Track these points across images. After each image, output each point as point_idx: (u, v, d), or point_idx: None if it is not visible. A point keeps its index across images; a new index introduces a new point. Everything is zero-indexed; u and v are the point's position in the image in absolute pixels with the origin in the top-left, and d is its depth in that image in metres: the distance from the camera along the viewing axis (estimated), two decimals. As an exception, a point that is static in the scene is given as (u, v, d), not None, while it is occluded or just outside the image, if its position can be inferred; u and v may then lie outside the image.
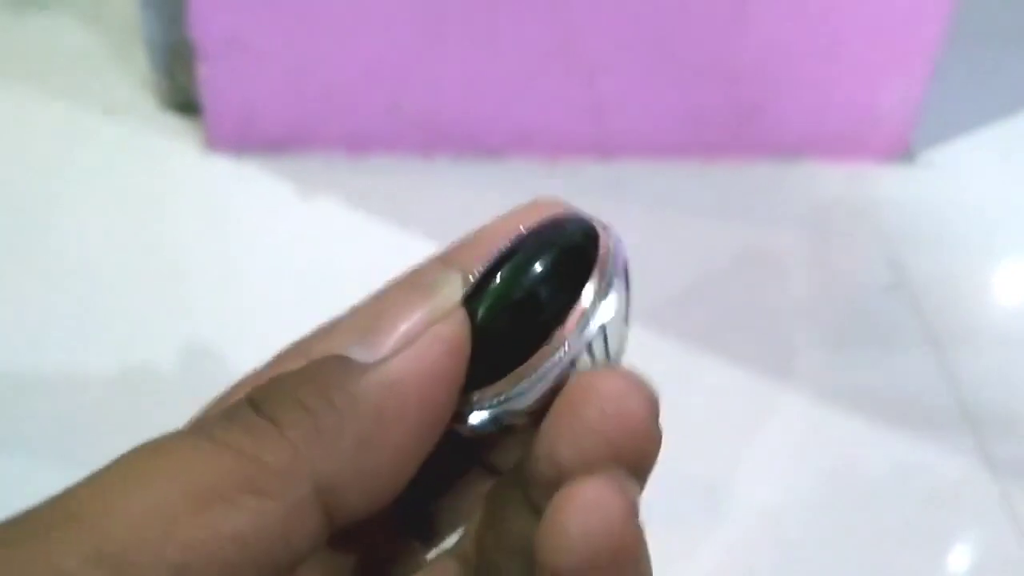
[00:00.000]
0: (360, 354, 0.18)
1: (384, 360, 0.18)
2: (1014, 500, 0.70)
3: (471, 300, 0.20)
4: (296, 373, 0.18)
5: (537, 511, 0.19)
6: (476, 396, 0.19)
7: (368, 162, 0.92)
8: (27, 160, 0.91)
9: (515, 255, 0.20)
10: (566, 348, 0.19)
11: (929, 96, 0.94)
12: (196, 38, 0.87)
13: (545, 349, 0.19)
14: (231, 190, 0.89)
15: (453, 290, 0.19)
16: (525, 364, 0.19)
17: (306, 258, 0.82)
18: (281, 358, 0.21)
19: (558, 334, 0.19)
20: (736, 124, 0.95)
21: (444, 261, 0.21)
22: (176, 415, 0.21)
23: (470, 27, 0.88)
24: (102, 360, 0.73)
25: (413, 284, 0.19)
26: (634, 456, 0.18)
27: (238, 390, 0.20)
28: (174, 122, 0.94)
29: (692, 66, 0.91)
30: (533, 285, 0.20)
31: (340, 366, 0.18)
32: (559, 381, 0.19)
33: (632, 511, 0.18)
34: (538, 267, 0.20)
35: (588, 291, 0.19)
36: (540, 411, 0.19)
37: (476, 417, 0.19)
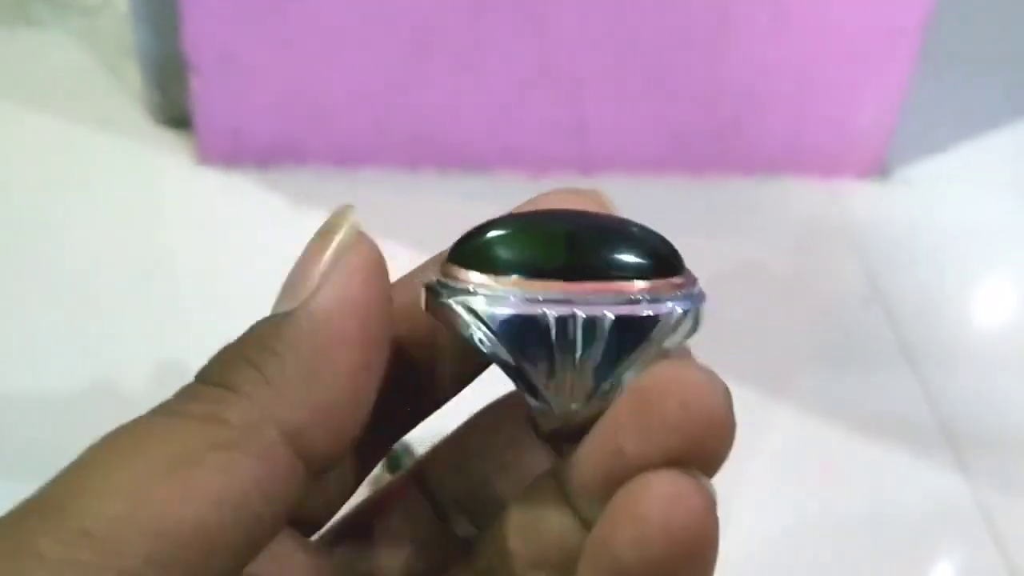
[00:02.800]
0: (283, 306, 0.18)
1: (304, 302, 0.18)
2: (992, 512, 0.71)
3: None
4: (233, 342, 0.19)
5: (580, 516, 0.19)
6: (452, 275, 0.19)
7: (357, 176, 0.93)
8: (18, 174, 0.92)
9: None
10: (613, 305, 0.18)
11: (904, 115, 0.96)
12: (189, 53, 0.88)
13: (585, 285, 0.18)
14: (222, 203, 0.91)
15: (352, 223, 0.19)
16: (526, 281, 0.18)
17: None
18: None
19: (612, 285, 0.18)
20: (716, 142, 0.97)
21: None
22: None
23: (456, 46, 0.90)
24: (91, 374, 0.74)
25: (316, 235, 0.19)
26: (710, 453, 0.18)
27: None
28: (166, 136, 0.95)
29: (674, 85, 0.93)
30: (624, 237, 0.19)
31: (269, 322, 0.18)
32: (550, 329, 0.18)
33: (712, 506, 0.17)
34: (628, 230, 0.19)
35: (671, 292, 0.18)
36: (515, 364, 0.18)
37: (443, 298, 0.19)
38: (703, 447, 0.17)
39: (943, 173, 1.01)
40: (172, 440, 0.17)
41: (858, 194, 0.98)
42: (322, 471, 0.18)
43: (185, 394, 0.18)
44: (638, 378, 0.18)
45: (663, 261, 0.19)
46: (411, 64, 0.90)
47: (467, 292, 0.18)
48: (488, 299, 0.18)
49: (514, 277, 0.18)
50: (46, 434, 0.69)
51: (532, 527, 0.20)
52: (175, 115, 0.95)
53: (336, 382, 0.18)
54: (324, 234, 0.19)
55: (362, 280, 0.18)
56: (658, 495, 0.16)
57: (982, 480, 0.73)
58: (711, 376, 0.18)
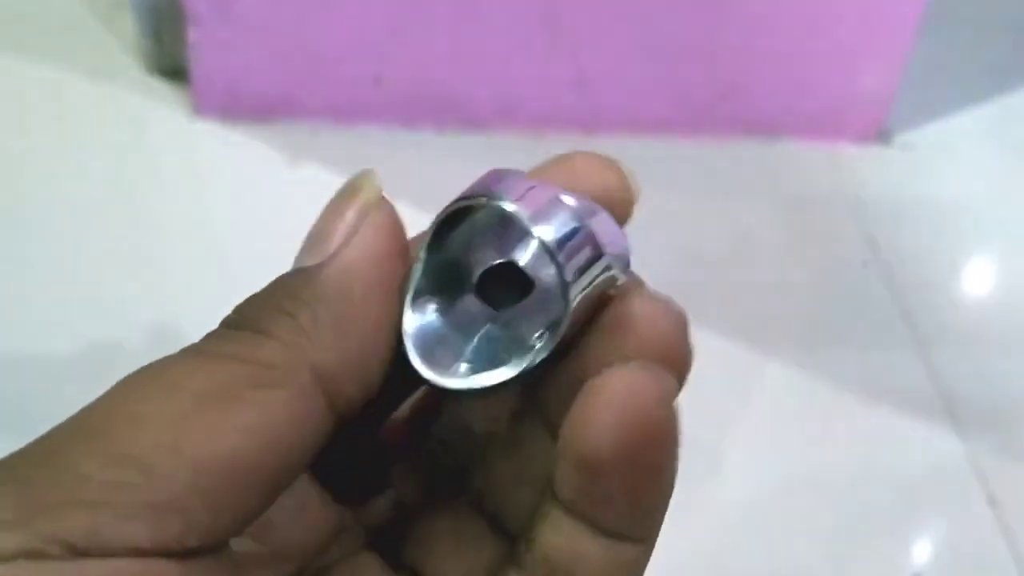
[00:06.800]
0: (309, 260, 0.19)
1: (333, 256, 0.19)
2: (987, 475, 0.72)
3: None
4: (260, 291, 0.19)
5: (558, 436, 0.20)
6: (451, 369, 0.20)
7: (354, 131, 0.93)
8: (11, 124, 0.91)
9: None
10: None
11: (906, 78, 0.96)
12: (185, 3, 0.87)
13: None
14: (218, 156, 0.90)
15: (375, 185, 0.20)
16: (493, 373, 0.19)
17: (292, 224, 0.83)
18: None
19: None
20: (717, 103, 0.96)
21: None
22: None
23: (456, 1, 0.88)
24: (83, 328, 0.73)
25: (338, 194, 0.21)
26: (671, 368, 0.19)
27: None
28: (161, 87, 0.94)
29: (674, 43, 0.92)
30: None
31: (298, 273, 0.19)
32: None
33: (668, 396, 0.18)
34: None
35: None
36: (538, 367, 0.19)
37: (449, 383, 0.20)
38: (666, 363, 0.19)
39: (944, 138, 1.00)
40: (209, 376, 0.17)
41: (858, 158, 0.98)
42: (347, 415, 0.19)
43: (214, 337, 0.19)
44: (603, 316, 0.19)
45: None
46: (410, 18, 0.89)
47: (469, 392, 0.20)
48: None
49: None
50: (35, 389, 0.69)
51: (516, 451, 0.21)
52: (171, 66, 0.94)
53: (364, 330, 0.19)
54: (346, 194, 0.20)
55: (386, 236, 0.20)
56: (612, 390, 0.18)
57: (978, 443, 0.74)
58: (667, 305, 0.19)
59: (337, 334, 0.19)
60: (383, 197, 0.20)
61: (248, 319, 0.19)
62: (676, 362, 0.19)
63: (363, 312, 0.19)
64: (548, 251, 0.19)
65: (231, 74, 0.91)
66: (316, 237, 0.20)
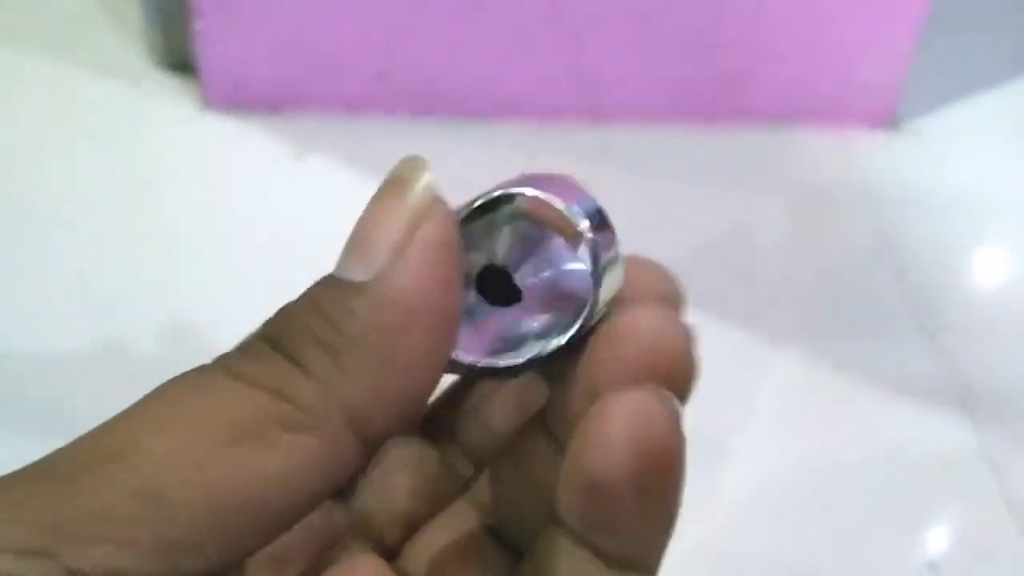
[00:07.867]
0: (352, 272, 0.18)
1: (378, 277, 0.17)
2: (1000, 467, 0.71)
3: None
4: (301, 305, 0.18)
5: (562, 449, 0.19)
6: (473, 356, 0.20)
7: (360, 124, 0.92)
8: (16, 119, 0.91)
9: None
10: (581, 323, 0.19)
11: (915, 66, 0.95)
12: (190, -4, 0.87)
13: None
14: (225, 149, 0.90)
15: (427, 184, 0.18)
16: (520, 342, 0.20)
17: (300, 216, 0.83)
18: None
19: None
20: (723, 91, 0.95)
21: None
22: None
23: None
24: (92, 327, 0.73)
25: (384, 186, 0.18)
26: (673, 385, 0.19)
27: None
28: (168, 81, 0.94)
29: (680, 32, 0.92)
30: None
31: (338, 291, 0.18)
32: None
33: (676, 419, 0.18)
34: None
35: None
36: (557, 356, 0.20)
37: (474, 364, 0.20)
38: (665, 379, 0.19)
39: (954, 125, 1.00)
40: (239, 408, 0.17)
41: (867, 146, 0.97)
42: (378, 447, 0.18)
43: (249, 355, 0.18)
44: (607, 322, 0.19)
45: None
46: (413, 12, 0.89)
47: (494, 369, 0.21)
48: None
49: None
50: (44, 390, 0.68)
51: (521, 464, 0.21)
52: (178, 59, 0.94)
53: (407, 366, 0.18)
54: (392, 186, 0.18)
55: (435, 257, 0.18)
56: (622, 413, 0.17)
57: (991, 433, 0.73)
58: (671, 316, 0.19)
59: (377, 373, 0.17)
60: (437, 202, 0.18)
61: (285, 342, 0.17)
62: (682, 375, 0.19)
63: (407, 348, 0.17)
64: (583, 234, 0.19)
65: (238, 67, 0.91)
66: (360, 242, 0.18)
